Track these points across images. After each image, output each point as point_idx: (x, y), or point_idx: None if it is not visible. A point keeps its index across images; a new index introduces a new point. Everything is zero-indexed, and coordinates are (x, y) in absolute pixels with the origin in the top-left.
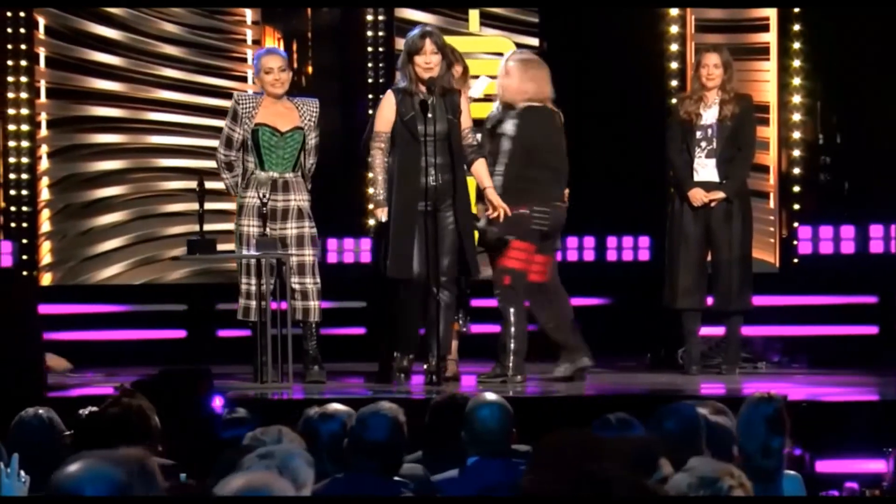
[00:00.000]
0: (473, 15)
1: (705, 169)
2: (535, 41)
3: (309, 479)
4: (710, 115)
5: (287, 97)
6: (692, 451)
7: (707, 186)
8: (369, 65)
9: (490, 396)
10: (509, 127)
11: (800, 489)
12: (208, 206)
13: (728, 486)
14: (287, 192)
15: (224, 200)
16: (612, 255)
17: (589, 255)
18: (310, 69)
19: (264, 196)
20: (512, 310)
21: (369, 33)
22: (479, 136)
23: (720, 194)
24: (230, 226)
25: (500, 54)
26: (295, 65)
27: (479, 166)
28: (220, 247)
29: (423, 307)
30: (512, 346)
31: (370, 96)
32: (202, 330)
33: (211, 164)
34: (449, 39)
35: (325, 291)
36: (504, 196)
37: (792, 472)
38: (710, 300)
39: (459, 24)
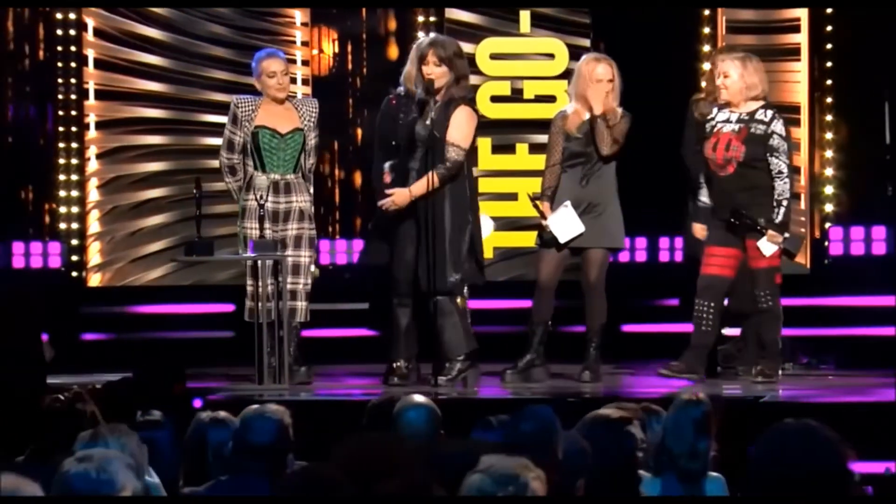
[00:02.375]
0: (524, 16)
1: None
2: (586, 42)
3: (129, 482)
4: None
5: (286, 98)
6: (547, 454)
7: None
8: None
9: (418, 399)
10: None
11: (723, 490)
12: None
13: (528, 481)
14: (289, 194)
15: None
16: (664, 256)
17: (641, 256)
18: (364, 70)
19: (261, 198)
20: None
21: (419, 34)
22: (452, 153)
23: None
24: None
25: (551, 56)
26: (349, 66)
27: (427, 177)
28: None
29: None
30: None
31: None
32: (249, 330)
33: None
34: (500, 41)
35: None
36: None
37: (715, 474)
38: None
39: (510, 25)
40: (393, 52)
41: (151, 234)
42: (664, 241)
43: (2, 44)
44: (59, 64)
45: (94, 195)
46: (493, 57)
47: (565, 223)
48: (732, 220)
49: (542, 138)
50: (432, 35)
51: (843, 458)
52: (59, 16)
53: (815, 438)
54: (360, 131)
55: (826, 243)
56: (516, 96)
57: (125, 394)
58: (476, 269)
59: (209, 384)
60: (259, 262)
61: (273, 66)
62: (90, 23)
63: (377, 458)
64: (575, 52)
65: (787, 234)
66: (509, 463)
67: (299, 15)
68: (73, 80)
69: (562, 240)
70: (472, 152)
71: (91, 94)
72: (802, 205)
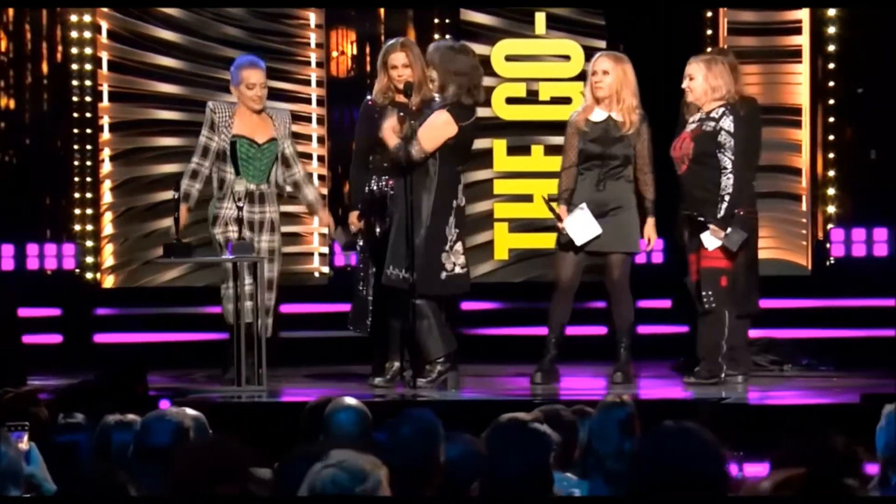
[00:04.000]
0: (539, 18)
1: None
2: (602, 43)
3: None
4: None
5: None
6: (429, 457)
7: None
8: None
9: (349, 401)
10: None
11: None
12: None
13: (380, 478)
14: (262, 204)
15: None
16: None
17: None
18: None
19: (239, 200)
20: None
21: (436, 36)
22: (413, 149)
23: None
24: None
25: (567, 57)
26: (367, 68)
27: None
28: None
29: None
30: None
31: (437, 98)
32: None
33: None
34: (515, 42)
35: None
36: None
37: None
38: None
39: (525, 27)
40: None
41: (165, 235)
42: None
43: (20, 46)
44: (74, 66)
45: (107, 197)
46: (509, 59)
47: (582, 225)
48: (685, 213)
49: (558, 140)
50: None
51: (720, 460)
52: (73, 18)
53: (692, 440)
54: None
55: (828, 245)
56: (531, 98)
57: (86, 396)
58: (434, 278)
59: (189, 385)
60: (238, 263)
61: (253, 77)
62: (104, 25)
63: (213, 462)
64: (590, 54)
65: (728, 230)
66: (360, 459)
67: (313, 17)
68: (87, 83)
69: (578, 242)
70: (452, 166)
71: (105, 96)
72: (804, 206)
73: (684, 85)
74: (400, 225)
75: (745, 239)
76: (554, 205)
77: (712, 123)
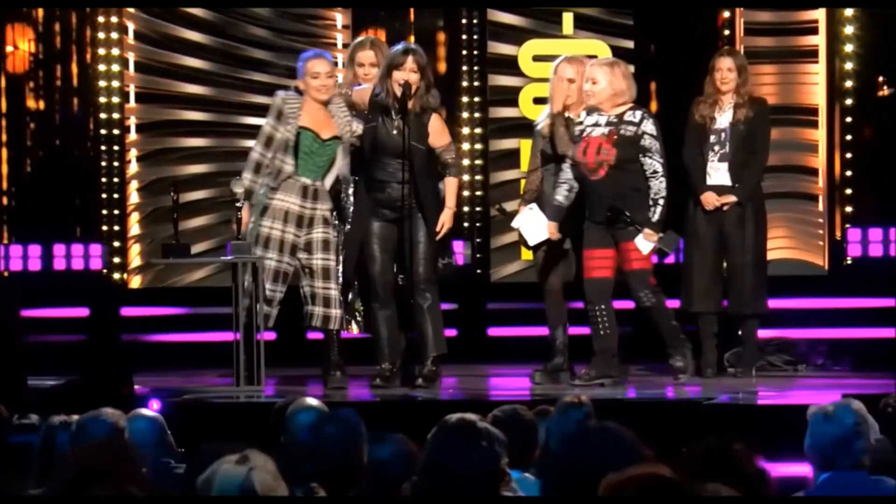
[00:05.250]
0: (567, 18)
1: (718, 172)
2: (629, 43)
3: None
4: (724, 119)
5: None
6: (349, 458)
7: (719, 190)
8: (464, 68)
9: (310, 401)
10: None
11: None
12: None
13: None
14: (316, 200)
15: None
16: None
17: None
18: None
19: (293, 201)
20: None
21: (464, 37)
22: (452, 154)
23: (732, 198)
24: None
25: (594, 57)
26: None
27: (450, 184)
28: None
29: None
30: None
31: (464, 99)
32: (292, 333)
33: None
34: (543, 43)
35: None
36: None
37: None
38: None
39: (553, 27)
40: (441, 53)
41: (192, 235)
42: None
43: (49, 47)
44: (101, 67)
45: (134, 197)
46: (536, 59)
47: (532, 226)
48: (609, 214)
49: None
50: (403, 44)
51: (641, 459)
52: (100, 19)
53: (613, 440)
54: None
55: (844, 245)
56: None
57: (71, 396)
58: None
59: (188, 384)
60: (238, 264)
61: (317, 66)
62: (130, 26)
63: (96, 463)
64: (618, 54)
65: (661, 234)
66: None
67: (340, 18)
68: (114, 83)
69: (531, 243)
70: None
71: (132, 96)
72: (820, 206)
73: (586, 88)
74: (431, 225)
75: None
76: (501, 208)
77: (632, 128)
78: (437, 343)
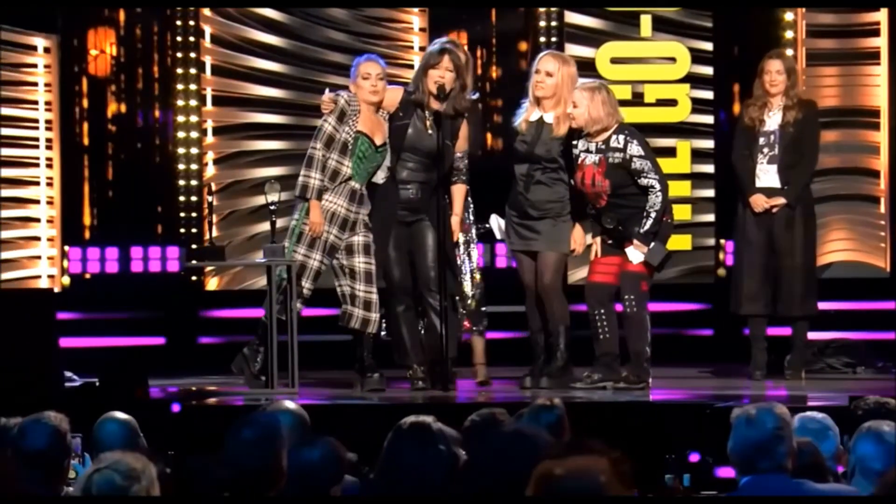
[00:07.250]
0: (645, 20)
1: (767, 175)
2: (708, 45)
3: None
4: (773, 122)
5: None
6: (267, 460)
7: (768, 192)
8: None
9: (288, 404)
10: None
11: None
12: None
13: (153, 476)
14: (360, 205)
15: None
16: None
17: None
18: (494, 75)
19: (342, 204)
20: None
21: (542, 39)
22: (465, 162)
23: (781, 200)
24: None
25: (672, 59)
26: (479, 71)
27: (457, 191)
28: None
29: (417, 316)
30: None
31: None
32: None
33: None
34: (620, 45)
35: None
36: None
37: None
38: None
39: (631, 29)
40: (523, 56)
41: (267, 238)
42: None
43: (132, 51)
44: (179, 70)
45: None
46: (614, 61)
47: (497, 229)
48: (608, 223)
49: (664, 142)
50: (439, 43)
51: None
52: (178, 23)
53: (529, 443)
54: (489, 137)
55: None
56: (637, 100)
57: (86, 398)
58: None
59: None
60: (272, 266)
61: (368, 68)
62: (207, 29)
63: None
64: (696, 56)
65: (651, 245)
66: (130, 459)
67: (417, 20)
68: (192, 87)
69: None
70: None
71: (209, 100)
72: (882, 208)
73: (569, 110)
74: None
75: (667, 255)
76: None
77: (619, 154)
78: (452, 345)
